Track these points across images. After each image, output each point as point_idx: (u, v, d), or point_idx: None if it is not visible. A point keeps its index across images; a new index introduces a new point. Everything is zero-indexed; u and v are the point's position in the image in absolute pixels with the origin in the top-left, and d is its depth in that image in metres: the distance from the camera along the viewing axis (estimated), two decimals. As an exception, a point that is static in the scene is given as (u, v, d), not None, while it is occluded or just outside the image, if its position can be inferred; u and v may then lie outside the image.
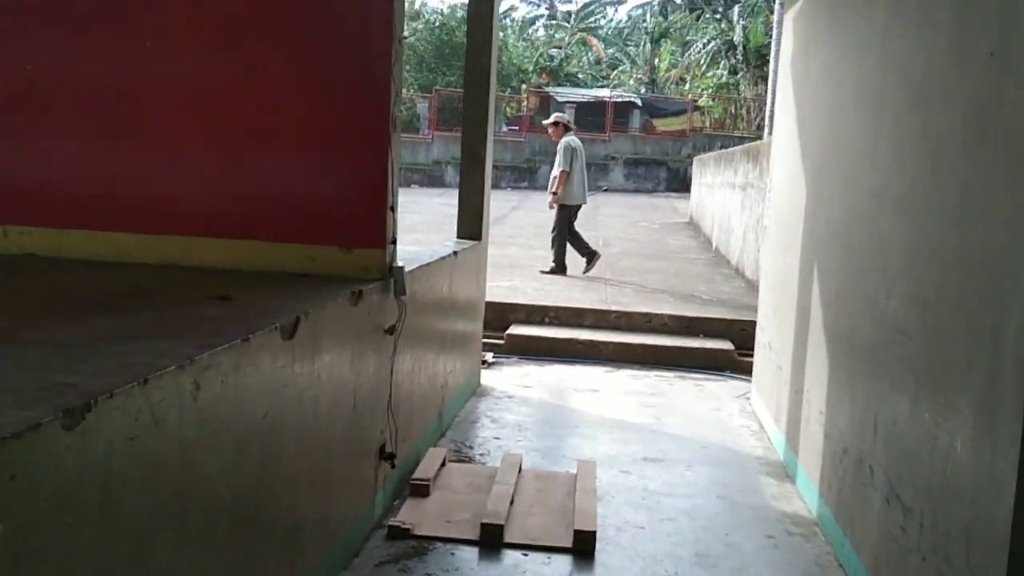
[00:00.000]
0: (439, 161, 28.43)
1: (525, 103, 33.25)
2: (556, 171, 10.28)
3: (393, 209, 3.66)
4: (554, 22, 46.96)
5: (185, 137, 3.69)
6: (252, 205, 3.67)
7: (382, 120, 3.58)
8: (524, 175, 27.85)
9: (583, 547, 3.64)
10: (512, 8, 47.19)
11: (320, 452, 3.02)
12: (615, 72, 42.50)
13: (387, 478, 3.87)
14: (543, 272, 10.07)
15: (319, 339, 2.88)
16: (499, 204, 20.22)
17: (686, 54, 36.77)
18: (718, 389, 6.69)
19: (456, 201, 6.15)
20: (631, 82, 40.78)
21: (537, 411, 5.76)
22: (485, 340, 7.58)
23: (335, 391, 3.12)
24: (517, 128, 31.65)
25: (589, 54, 44.41)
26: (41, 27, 3.72)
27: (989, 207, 2.41)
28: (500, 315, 8.12)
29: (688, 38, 38.32)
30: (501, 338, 7.66)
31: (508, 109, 35.25)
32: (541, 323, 8.07)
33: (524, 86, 35.25)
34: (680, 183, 26.28)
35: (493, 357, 7.33)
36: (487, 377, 6.59)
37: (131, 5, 3.69)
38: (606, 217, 18.39)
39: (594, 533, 3.70)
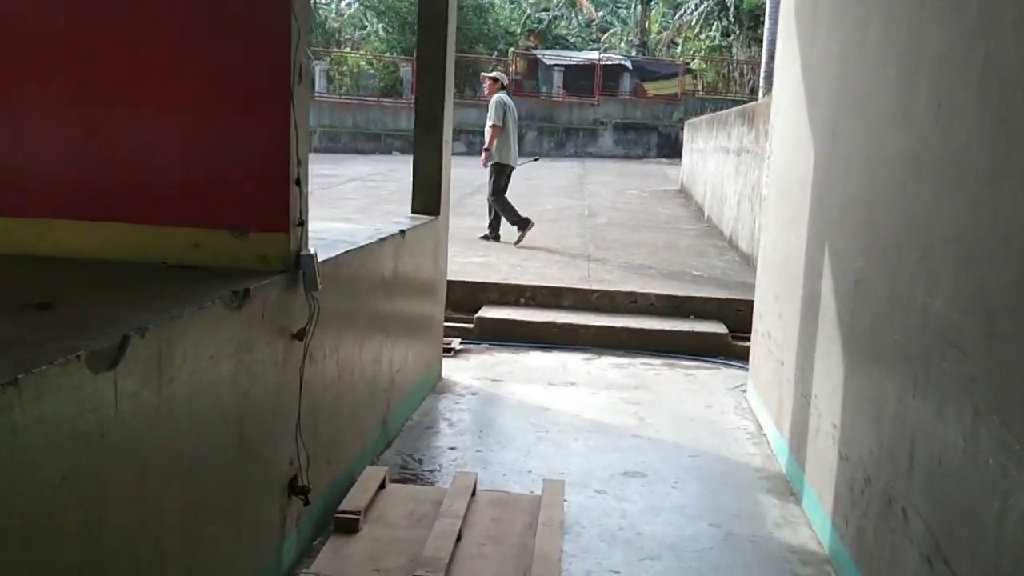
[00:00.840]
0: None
1: (512, 67, 32.19)
2: (488, 126, 9.53)
3: (299, 183, 2.88)
4: (543, -17, 45.64)
5: (33, 95, 2.90)
6: (119, 178, 2.89)
7: (281, 70, 2.79)
8: (510, 141, 26.89)
9: (541, 604, 2.92)
10: (500, -32, 45.85)
11: (183, 508, 2.27)
12: (606, 35, 41.37)
13: (302, 516, 3.13)
14: (481, 238, 9.74)
15: (170, 361, 2.13)
16: (482, 172, 19.38)
17: (677, 16, 35.70)
18: (710, 379, 5.97)
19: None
20: (622, 45, 39.68)
21: (504, 411, 5.03)
22: (452, 324, 6.85)
23: (206, 424, 2.36)
24: (504, 92, 30.62)
25: (579, 16, 43.22)
26: None
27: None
28: (471, 295, 7.38)
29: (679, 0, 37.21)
30: (471, 321, 6.92)
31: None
32: (516, 304, 7.31)
33: (511, 49, 34.18)
34: (671, 148, 25.39)
35: (461, 343, 6.59)
36: (451, 368, 5.85)
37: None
38: (594, 184, 17.58)
39: (556, 586, 2.98)
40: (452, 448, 4.37)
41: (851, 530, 3.14)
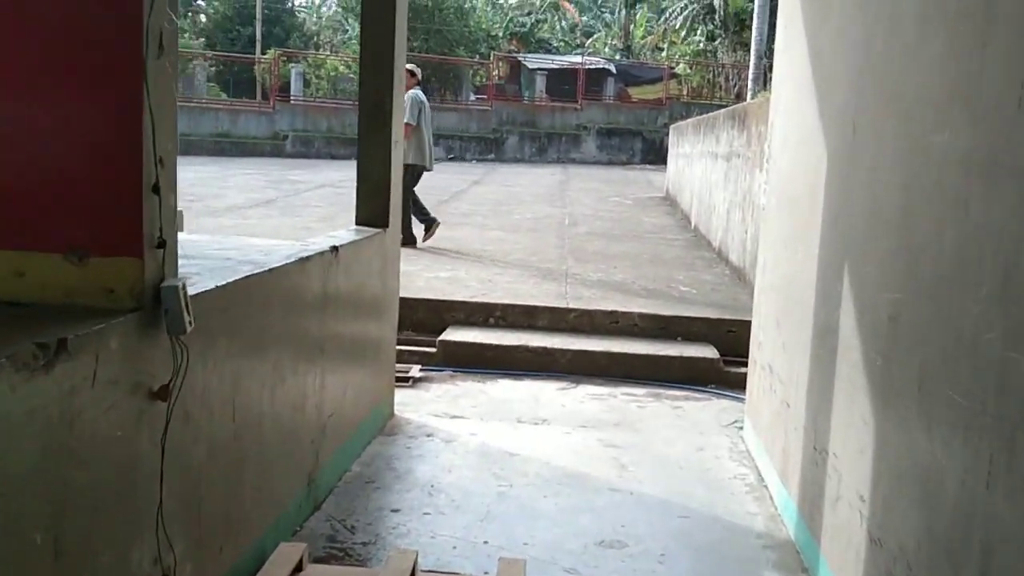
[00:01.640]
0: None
1: (495, 71, 31.50)
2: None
3: (158, 189, 2.14)
4: (525, -14, 45.02)
5: None
6: (-87, 184, 2.15)
7: (129, 36, 2.06)
8: (491, 146, 26.15)
9: None
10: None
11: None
12: (590, 40, 40.79)
13: (173, 628, 2.38)
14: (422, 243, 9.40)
15: None
16: (461, 178, 18.68)
17: (662, 20, 35.15)
18: (701, 413, 5.26)
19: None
20: (606, 50, 39.09)
21: (463, 458, 4.29)
22: (412, 348, 6.15)
23: (-16, 542, 1.63)
24: (484, 96, 29.96)
25: (563, 19, 42.64)
26: None
27: None
28: (435, 314, 6.65)
29: (664, 3, 36.63)
30: (433, 345, 6.19)
31: (478, 77, 33.48)
32: (485, 324, 6.58)
33: (493, 52, 33.50)
34: (656, 154, 24.73)
35: (421, 370, 5.86)
36: (407, 400, 5.12)
37: None
38: (576, 192, 16.88)
39: None
40: (395, 511, 3.63)
41: (890, 642, 2.42)
